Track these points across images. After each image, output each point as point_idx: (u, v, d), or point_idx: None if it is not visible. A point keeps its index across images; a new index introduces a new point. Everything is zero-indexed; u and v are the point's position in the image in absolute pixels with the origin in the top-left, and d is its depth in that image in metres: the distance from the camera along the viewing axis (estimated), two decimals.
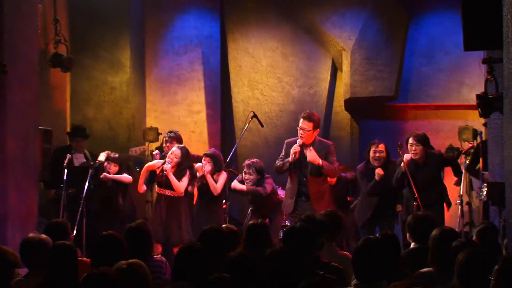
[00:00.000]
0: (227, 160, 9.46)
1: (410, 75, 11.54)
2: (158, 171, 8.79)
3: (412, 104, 11.56)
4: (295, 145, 7.86)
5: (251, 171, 8.87)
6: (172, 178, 8.55)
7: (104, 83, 11.11)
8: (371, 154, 8.85)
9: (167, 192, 8.67)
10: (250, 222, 5.80)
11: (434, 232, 5.08)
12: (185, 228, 8.65)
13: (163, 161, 8.79)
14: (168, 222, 8.59)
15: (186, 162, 8.74)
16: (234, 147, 9.92)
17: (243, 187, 8.95)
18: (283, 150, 8.16)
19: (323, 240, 5.42)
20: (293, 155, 7.85)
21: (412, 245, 5.68)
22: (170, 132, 9.51)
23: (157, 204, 8.80)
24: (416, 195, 8.12)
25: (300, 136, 7.89)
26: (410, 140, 8.46)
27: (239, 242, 5.61)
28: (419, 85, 11.57)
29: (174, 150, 8.71)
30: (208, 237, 5.36)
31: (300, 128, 7.91)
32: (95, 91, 11.11)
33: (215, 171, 8.93)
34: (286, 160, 7.93)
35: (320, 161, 7.85)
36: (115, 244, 5.04)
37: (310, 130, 7.88)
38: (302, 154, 7.95)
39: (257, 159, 9.11)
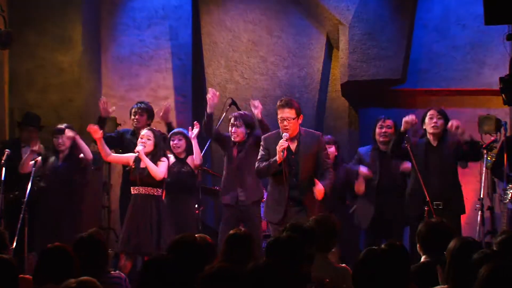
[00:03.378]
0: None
1: (420, 53, 11.54)
2: (130, 165, 8.77)
3: (422, 88, 11.56)
4: (281, 141, 7.74)
5: (237, 122, 8.85)
6: (147, 161, 8.59)
7: (50, 63, 11.01)
8: (377, 130, 9.09)
9: (142, 190, 8.62)
10: (231, 232, 5.77)
11: (452, 243, 5.07)
12: (166, 235, 8.62)
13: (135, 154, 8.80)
14: (151, 228, 8.56)
15: (161, 145, 8.82)
16: (209, 141, 9.87)
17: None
18: (262, 148, 8.06)
19: (313, 251, 5.40)
20: (281, 153, 7.73)
21: (423, 258, 5.68)
22: (140, 103, 9.60)
23: (133, 208, 8.71)
24: (428, 198, 8.12)
25: (285, 128, 7.81)
26: (430, 112, 8.52)
27: (215, 256, 5.58)
28: (431, 65, 11.58)
29: (145, 132, 8.79)
30: (178, 249, 5.32)
31: (283, 119, 7.81)
32: (39, 72, 11.00)
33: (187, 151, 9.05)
34: (273, 160, 7.82)
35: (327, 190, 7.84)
36: (62, 258, 4.98)
37: (294, 118, 7.82)
38: (289, 150, 7.88)
39: (247, 112, 9.11)
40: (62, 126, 9.24)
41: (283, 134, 7.77)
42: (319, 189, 7.70)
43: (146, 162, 8.58)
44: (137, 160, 8.67)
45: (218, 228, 10.01)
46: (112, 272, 5.62)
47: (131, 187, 8.75)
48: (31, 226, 8.62)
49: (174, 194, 8.96)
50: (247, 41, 11.47)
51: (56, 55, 10.98)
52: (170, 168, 8.97)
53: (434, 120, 8.52)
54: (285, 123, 7.79)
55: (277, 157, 7.72)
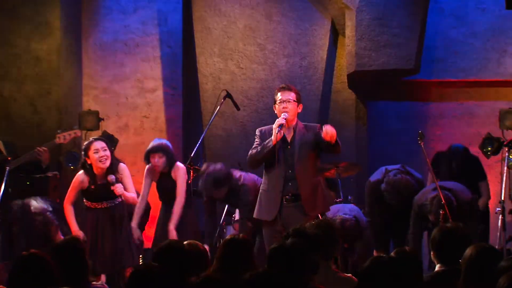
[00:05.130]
0: (191, 155, 9.42)
1: (435, 41, 11.54)
2: (84, 185, 8.58)
3: (437, 80, 11.57)
4: (278, 119, 7.79)
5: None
6: (128, 196, 8.56)
7: (26, 52, 11.02)
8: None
9: (104, 204, 8.55)
10: (228, 237, 5.78)
11: (468, 251, 5.07)
12: (134, 245, 8.67)
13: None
14: (117, 242, 8.55)
15: (112, 151, 8.81)
16: (201, 137, 9.87)
17: None
18: (256, 139, 8.09)
19: (317, 259, 5.41)
20: (277, 131, 7.75)
21: (438, 267, 5.69)
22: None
23: (91, 223, 8.59)
24: (443, 201, 8.14)
25: (285, 110, 7.86)
26: None
27: (206, 265, 5.59)
28: (447, 54, 11.59)
29: (99, 145, 8.53)
30: (165, 257, 5.34)
31: (282, 101, 7.89)
32: (13, 62, 11.02)
33: (169, 165, 9.11)
34: (268, 140, 7.86)
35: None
36: (39, 268, 4.99)
37: (294, 101, 7.90)
38: (284, 141, 7.92)
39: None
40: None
41: (282, 114, 7.82)
42: (328, 129, 7.65)
43: (128, 197, 8.56)
44: (92, 178, 8.52)
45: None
46: (94, 282, 5.64)
47: (87, 200, 8.57)
48: (6, 231, 8.64)
49: (170, 205, 9.11)
50: (243, 27, 11.46)
51: (32, 43, 10.99)
52: (158, 182, 9.18)
53: None
54: (285, 104, 7.86)
55: (272, 138, 7.77)
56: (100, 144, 8.54)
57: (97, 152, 8.47)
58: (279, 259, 5.04)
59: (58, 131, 9.95)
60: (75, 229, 8.43)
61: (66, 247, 5.55)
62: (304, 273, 5.04)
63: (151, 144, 9.22)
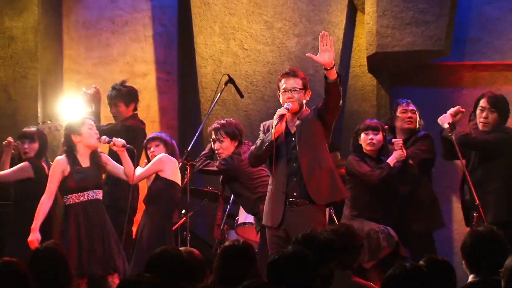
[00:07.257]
0: (189, 149, 9.43)
1: (467, 18, 11.53)
2: (66, 171, 8.55)
3: (470, 62, 11.54)
4: (280, 109, 7.82)
5: (219, 136, 8.87)
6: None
7: None
8: (400, 115, 9.30)
9: (91, 194, 8.56)
10: (227, 244, 5.78)
11: (510, 261, 5.04)
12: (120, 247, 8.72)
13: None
14: (107, 242, 8.58)
15: None
16: (200, 128, 9.87)
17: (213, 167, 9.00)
18: (261, 135, 8.09)
19: (331, 268, 5.40)
20: (276, 123, 7.74)
21: (471, 278, 5.67)
22: (113, 88, 9.87)
23: (75, 220, 8.52)
24: (477, 201, 8.14)
25: (290, 100, 7.86)
26: (482, 103, 8.63)
27: (204, 274, 5.59)
28: (482, 34, 11.56)
29: (91, 121, 8.77)
30: (158, 266, 5.34)
31: (286, 90, 7.91)
32: None
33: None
34: (268, 134, 7.86)
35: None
36: (14, 276, 5.00)
37: (301, 89, 7.89)
38: (287, 131, 7.91)
39: (229, 119, 9.08)
40: (32, 129, 9.35)
41: (286, 104, 7.82)
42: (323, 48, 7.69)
43: (127, 158, 8.78)
44: (76, 160, 8.60)
45: (209, 239, 10.04)
46: None
47: (70, 194, 8.51)
48: None
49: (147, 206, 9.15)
50: (247, 2, 11.45)
51: (5, 20, 10.98)
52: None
53: (485, 114, 8.61)
54: (290, 94, 7.87)
55: (272, 131, 7.75)
56: (91, 121, 8.73)
57: (91, 129, 8.62)
58: (278, 270, 5.01)
59: (48, 121, 9.97)
60: (36, 228, 8.32)
61: (45, 253, 5.56)
62: (311, 284, 5.02)
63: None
